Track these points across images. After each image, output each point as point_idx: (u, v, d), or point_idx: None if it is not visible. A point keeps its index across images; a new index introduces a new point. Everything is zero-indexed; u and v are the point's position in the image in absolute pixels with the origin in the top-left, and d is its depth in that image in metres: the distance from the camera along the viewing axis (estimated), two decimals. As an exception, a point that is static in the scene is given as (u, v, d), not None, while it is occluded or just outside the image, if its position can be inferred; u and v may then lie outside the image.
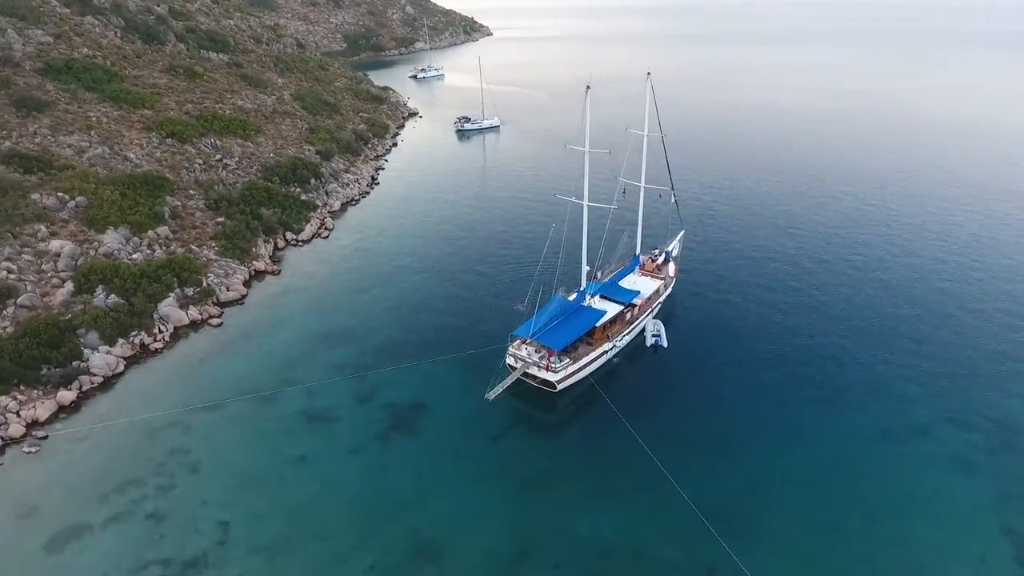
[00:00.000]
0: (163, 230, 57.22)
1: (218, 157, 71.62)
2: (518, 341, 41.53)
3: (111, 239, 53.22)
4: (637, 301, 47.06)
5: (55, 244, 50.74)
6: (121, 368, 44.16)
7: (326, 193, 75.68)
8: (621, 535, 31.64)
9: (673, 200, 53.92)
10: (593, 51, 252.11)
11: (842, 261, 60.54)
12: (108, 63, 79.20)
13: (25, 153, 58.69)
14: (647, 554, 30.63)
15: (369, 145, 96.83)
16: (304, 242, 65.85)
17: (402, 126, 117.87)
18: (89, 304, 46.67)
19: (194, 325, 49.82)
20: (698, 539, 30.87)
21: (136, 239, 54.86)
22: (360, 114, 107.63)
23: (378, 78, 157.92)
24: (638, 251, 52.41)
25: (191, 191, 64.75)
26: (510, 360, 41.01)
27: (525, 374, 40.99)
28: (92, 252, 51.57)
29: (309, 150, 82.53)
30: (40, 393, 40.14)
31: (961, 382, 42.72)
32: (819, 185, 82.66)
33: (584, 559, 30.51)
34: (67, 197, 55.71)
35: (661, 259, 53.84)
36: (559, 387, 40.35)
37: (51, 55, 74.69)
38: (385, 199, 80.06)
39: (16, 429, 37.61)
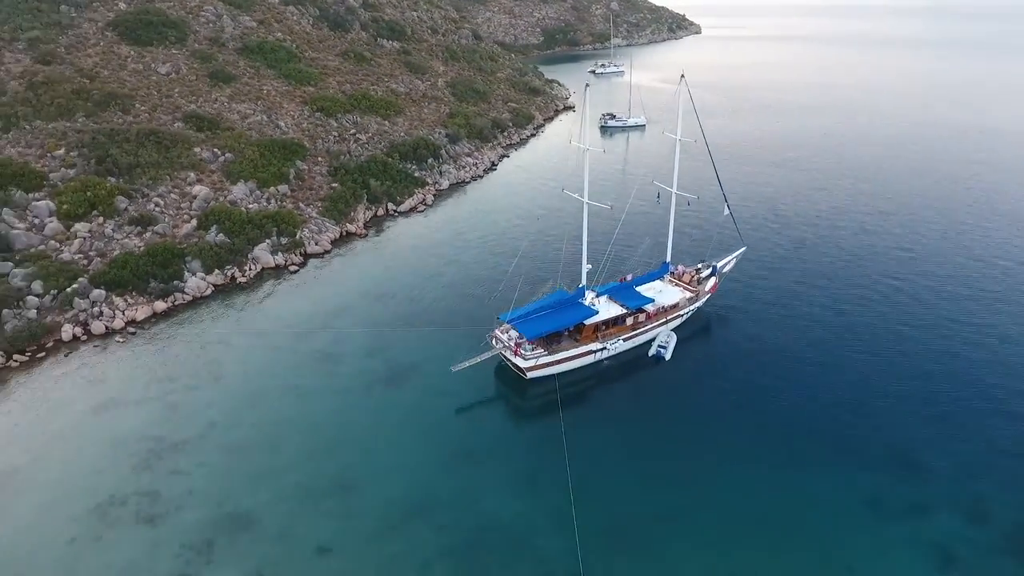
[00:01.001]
0: (283, 188, 67.80)
1: (353, 131, 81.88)
2: (505, 325, 43.38)
3: (238, 190, 64.70)
4: (650, 308, 45.91)
5: (196, 188, 63.22)
6: (208, 292, 54.42)
7: (439, 173, 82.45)
8: (513, 520, 32.64)
9: (727, 212, 50.90)
10: (802, 54, 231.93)
11: (932, 324, 50.60)
12: (293, 46, 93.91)
13: (202, 115, 73.16)
14: (524, 543, 31.36)
15: (504, 133, 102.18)
16: (401, 213, 73.13)
17: (551, 118, 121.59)
18: (202, 239, 57.86)
19: (277, 269, 59.02)
20: (570, 548, 30.83)
21: (258, 192, 65.92)
22: (509, 104, 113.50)
23: (557, 72, 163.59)
24: (668, 258, 50.57)
25: (320, 158, 75.26)
26: (492, 340, 43.09)
27: (506, 357, 42.81)
28: (221, 198, 63.30)
29: (439, 132, 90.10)
30: (144, 300, 51.39)
31: (996, 473, 35.51)
32: (965, 231, 69.30)
33: (469, 529, 32.22)
34: (219, 152, 68.63)
35: (706, 272, 51.27)
36: (529, 375, 41.57)
37: (250, 37, 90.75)
38: (494, 185, 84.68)
39: (118, 323, 48.94)
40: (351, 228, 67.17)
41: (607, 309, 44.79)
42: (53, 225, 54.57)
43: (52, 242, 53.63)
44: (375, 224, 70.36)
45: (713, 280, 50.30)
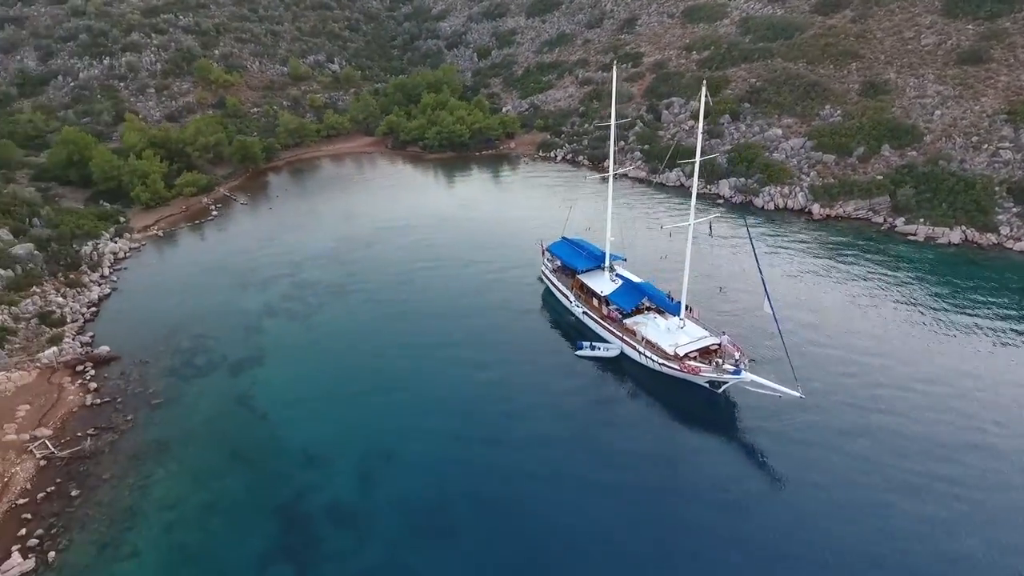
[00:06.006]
0: (831, 156, 71.67)
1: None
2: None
3: (794, 142, 74.56)
4: (629, 319, 43.60)
5: (773, 130, 77.55)
6: (674, 185, 77.00)
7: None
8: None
9: (768, 310, 34.30)
10: None
11: None
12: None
13: (875, 82, 77.70)
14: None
15: None
16: (897, 229, 62.82)
17: None
18: (714, 160, 76.84)
19: (721, 196, 72.45)
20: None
21: (803, 149, 73.66)
22: None
23: None
24: (682, 299, 39.62)
25: (925, 151, 68.60)
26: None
27: None
28: (766, 140, 75.88)
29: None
30: (638, 164, 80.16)
31: None
32: None
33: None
34: (837, 113, 76.14)
35: (745, 364, 37.58)
36: (540, 275, 53.64)
37: None
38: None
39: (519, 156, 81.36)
40: (815, 208, 66.97)
41: (597, 280, 46.92)
42: (681, 116, 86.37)
43: (671, 124, 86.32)
44: (846, 219, 65.31)
45: (699, 366, 37.75)
